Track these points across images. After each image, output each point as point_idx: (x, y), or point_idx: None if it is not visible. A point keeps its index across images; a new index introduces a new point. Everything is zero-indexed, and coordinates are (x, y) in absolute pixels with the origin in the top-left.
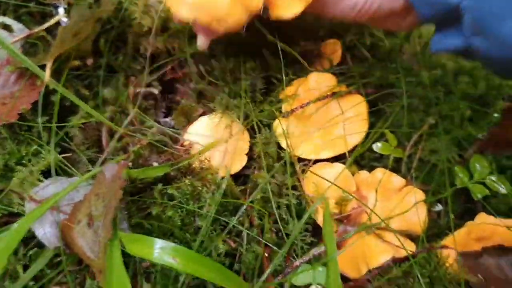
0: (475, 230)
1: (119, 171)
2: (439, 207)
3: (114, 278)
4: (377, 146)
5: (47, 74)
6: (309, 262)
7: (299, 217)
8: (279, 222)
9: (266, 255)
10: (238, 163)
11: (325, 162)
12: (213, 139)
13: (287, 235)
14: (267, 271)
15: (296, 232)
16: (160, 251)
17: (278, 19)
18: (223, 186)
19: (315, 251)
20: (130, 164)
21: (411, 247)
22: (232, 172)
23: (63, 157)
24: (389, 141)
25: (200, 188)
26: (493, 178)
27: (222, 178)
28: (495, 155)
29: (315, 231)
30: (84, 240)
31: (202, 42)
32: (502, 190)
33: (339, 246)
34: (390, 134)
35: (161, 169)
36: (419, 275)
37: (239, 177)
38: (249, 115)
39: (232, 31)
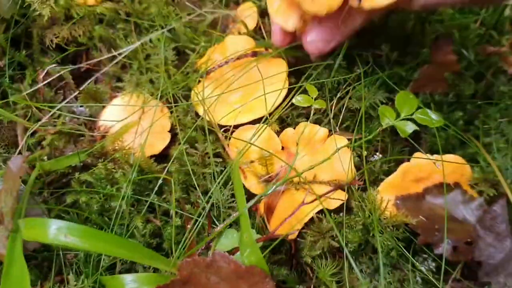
0: (412, 171)
1: (23, 164)
2: (377, 157)
3: (13, 269)
4: (297, 100)
5: None
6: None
7: (227, 184)
8: (200, 194)
9: (189, 226)
10: (161, 142)
11: (247, 125)
12: (128, 120)
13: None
14: (185, 240)
15: (217, 198)
16: (55, 231)
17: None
18: (139, 165)
19: (236, 213)
20: (45, 158)
21: (341, 196)
22: (156, 152)
23: None
24: (309, 93)
25: (115, 171)
26: (420, 112)
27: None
28: (431, 93)
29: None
30: None
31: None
32: (435, 117)
33: (270, 208)
34: (310, 86)
35: (72, 158)
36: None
37: (165, 156)
38: (164, 91)
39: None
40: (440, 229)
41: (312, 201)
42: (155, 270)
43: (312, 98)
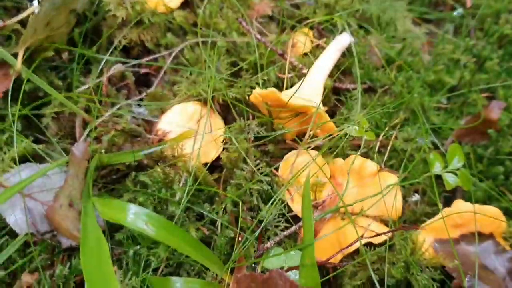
0: (452, 217)
1: (87, 148)
2: (416, 197)
3: (89, 235)
4: (350, 129)
5: (18, 62)
6: (280, 244)
7: (271, 203)
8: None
9: (240, 239)
10: (213, 151)
11: (298, 151)
12: (186, 128)
13: (261, 221)
14: (237, 250)
15: (267, 215)
16: (133, 216)
17: None
18: (194, 173)
19: (286, 232)
20: (103, 151)
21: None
22: (208, 161)
23: (39, 147)
24: (361, 124)
25: (172, 176)
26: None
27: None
28: (472, 144)
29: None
30: (68, 220)
31: None
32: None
33: (314, 233)
34: (362, 117)
35: (132, 154)
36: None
37: (217, 167)
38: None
39: None
40: (472, 276)
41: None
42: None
43: (363, 129)
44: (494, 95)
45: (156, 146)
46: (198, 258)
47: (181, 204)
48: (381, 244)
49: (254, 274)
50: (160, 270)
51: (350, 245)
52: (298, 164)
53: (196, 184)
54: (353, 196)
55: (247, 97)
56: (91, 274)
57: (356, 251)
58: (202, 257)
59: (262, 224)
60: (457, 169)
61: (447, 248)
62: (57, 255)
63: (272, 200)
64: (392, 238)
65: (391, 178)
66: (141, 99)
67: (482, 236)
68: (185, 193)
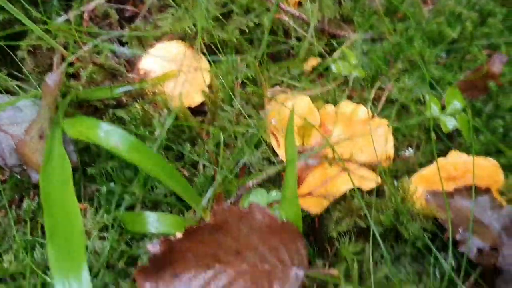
0: (446, 168)
1: (61, 78)
2: (410, 152)
3: (53, 160)
4: (335, 67)
5: None
6: (261, 185)
7: (256, 146)
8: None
9: (220, 180)
10: (197, 95)
11: (289, 94)
12: (169, 68)
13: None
14: (215, 184)
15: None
16: (105, 134)
17: None
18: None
19: (269, 171)
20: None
21: (376, 178)
22: (193, 104)
23: (12, 81)
24: (348, 59)
25: (152, 113)
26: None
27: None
28: (470, 99)
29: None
30: (38, 153)
31: None
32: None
33: (299, 181)
34: (349, 51)
35: (109, 90)
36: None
37: (201, 113)
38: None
39: None
40: (466, 230)
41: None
42: None
43: (351, 64)
44: (496, 52)
45: (137, 82)
46: (173, 186)
47: (158, 140)
48: (370, 192)
49: (233, 208)
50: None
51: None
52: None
53: (176, 120)
54: (342, 143)
55: (235, 40)
56: (51, 202)
57: (344, 199)
58: (177, 186)
59: (243, 160)
60: (456, 112)
61: (440, 200)
62: (26, 191)
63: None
64: (381, 186)
65: (384, 124)
66: (118, 40)
67: (478, 190)
68: (164, 129)
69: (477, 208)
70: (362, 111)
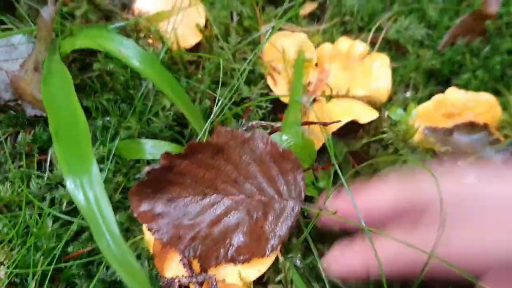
0: (445, 104)
1: (56, 10)
2: (408, 94)
3: (54, 73)
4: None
5: None
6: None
7: (255, 83)
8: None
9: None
10: (193, 37)
11: (286, 31)
12: (164, 8)
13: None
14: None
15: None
16: (115, 43)
17: None
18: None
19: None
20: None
21: (375, 115)
22: (187, 46)
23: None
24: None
25: (146, 49)
26: None
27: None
28: (467, 42)
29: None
30: (33, 84)
31: None
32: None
33: None
34: None
35: (105, 27)
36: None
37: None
38: None
39: None
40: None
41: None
42: None
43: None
44: None
45: (130, 20)
46: (179, 103)
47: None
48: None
49: (236, 131)
50: None
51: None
52: (284, 45)
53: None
54: (340, 81)
55: None
56: (55, 106)
57: None
58: (183, 104)
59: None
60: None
61: (438, 135)
62: (21, 125)
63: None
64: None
65: (382, 58)
66: None
67: (476, 127)
68: (159, 57)
69: (475, 144)
70: (359, 46)
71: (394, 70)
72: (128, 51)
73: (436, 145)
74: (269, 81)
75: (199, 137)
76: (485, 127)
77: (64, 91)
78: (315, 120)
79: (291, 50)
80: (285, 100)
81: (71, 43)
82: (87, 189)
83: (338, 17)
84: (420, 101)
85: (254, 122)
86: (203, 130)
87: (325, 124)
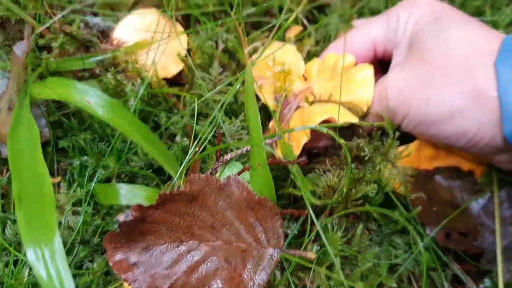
0: (429, 147)
1: (30, 47)
2: None
3: (20, 127)
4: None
5: None
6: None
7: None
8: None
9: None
10: (175, 66)
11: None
12: (143, 37)
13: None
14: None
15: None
16: (80, 93)
17: None
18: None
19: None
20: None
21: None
22: (169, 76)
23: None
24: None
25: (125, 83)
26: None
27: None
28: None
29: None
30: (8, 125)
31: None
32: None
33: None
34: None
35: (81, 60)
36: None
37: (179, 84)
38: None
39: None
40: (438, 212)
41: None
42: None
43: None
44: None
45: (110, 51)
46: (151, 150)
47: (132, 108)
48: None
49: (210, 177)
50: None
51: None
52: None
53: (151, 90)
54: (324, 87)
55: (211, 6)
56: (19, 165)
57: None
58: (155, 150)
59: (217, 118)
60: None
61: (418, 179)
62: None
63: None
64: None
65: (366, 67)
66: (93, 5)
67: (461, 172)
68: (138, 96)
69: (456, 190)
70: (347, 58)
71: None
72: (95, 101)
73: (408, 191)
74: (257, 90)
75: (173, 181)
76: (470, 174)
77: (30, 148)
78: (282, 159)
79: (280, 59)
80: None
81: (39, 90)
82: (49, 263)
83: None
84: None
85: (228, 156)
86: (177, 175)
87: (291, 163)
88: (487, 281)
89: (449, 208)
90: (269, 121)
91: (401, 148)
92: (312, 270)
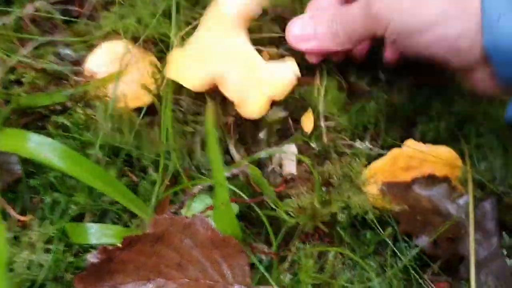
0: (402, 157)
1: None
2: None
3: None
4: None
5: None
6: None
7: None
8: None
9: (168, 183)
10: (146, 96)
11: None
12: (115, 68)
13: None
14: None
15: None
16: (36, 146)
17: None
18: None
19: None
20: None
21: None
22: (142, 105)
23: None
24: None
25: (94, 117)
26: None
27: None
28: None
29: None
30: None
31: None
32: None
33: None
34: None
35: (52, 96)
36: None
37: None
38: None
39: None
40: (422, 221)
41: None
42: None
43: None
44: None
45: (80, 86)
46: (114, 195)
47: (96, 145)
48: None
49: (174, 217)
50: (85, 220)
51: None
52: None
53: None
54: None
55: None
56: None
57: None
58: (118, 195)
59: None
60: None
61: (395, 191)
62: None
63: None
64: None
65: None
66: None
67: (436, 179)
68: (101, 133)
69: (436, 198)
70: None
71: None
72: (51, 153)
73: (392, 204)
74: None
75: (142, 222)
76: (445, 179)
77: None
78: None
79: None
80: None
81: None
82: None
83: None
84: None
85: (196, 189)
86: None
87: (254, 201)
88: None
89: (431, 215)
90: None
91: (371, 169)
92: None
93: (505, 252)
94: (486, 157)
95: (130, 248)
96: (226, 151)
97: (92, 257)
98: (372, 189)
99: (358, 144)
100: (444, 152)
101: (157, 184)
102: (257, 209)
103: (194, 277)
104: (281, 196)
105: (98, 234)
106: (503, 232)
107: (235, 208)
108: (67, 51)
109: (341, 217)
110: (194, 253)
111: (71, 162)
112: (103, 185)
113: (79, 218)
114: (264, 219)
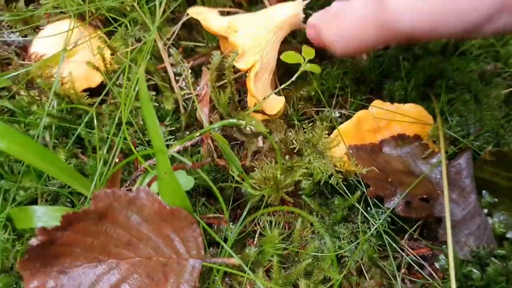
0: (369, 119)
1: None
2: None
3: None
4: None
5: None
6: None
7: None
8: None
9: (117, 160)
10: (97, 75)
11: None
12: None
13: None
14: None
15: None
16: None
17: None
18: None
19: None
20: None
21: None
22: (93, 85)
23: None
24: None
25: (39, 99)
26: None
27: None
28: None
29: None
30: None
31: None
32: None
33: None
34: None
35: None
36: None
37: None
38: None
39: None
40: (394, 182)
41: None
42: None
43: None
44: None
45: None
46: (57, 174)
47: (40, 127)
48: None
49: (117, 192)
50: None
51: None
52: None
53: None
54: None
55: (128, 8)
56: None
57: None
58: (58, 170)
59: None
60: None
61: (364, 154)
62: None
63: None
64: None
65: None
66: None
67: (406, 139)
68: (44, 114)
69: (407, 158)
70: None
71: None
72: None
73: (358, 166)
74: None
75: (87, 199)
76: (416, 138)
77: None
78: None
79: None
80: None
81: None
82: None
83: None
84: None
85: (147, 164)
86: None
87: (195, 166)
88: (442, 258)
89: (404, 176)
90: None
91: (333, 135)
92: (245, 275)
93: (485, 211)
94: (458, 112)
95: (72, 227)
96: None
97: (32, 241)
98: (335, 153)
99: (326, 111)
100: (412, 109)
101: (100, 160)
102: (205, 177)
103: (146, 255)
104: (247, 169)
105: (44, 217)
106: (483, 191)
107: (189, 180)
108: (11, 36)
109: (305, 183)
110: (143, 230)
111: (13, 142)
112: (48, 166)
113: (29, 204)
114: (214, 188)
